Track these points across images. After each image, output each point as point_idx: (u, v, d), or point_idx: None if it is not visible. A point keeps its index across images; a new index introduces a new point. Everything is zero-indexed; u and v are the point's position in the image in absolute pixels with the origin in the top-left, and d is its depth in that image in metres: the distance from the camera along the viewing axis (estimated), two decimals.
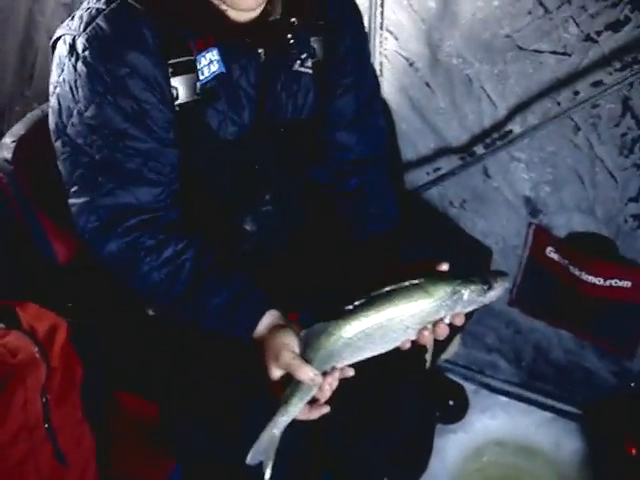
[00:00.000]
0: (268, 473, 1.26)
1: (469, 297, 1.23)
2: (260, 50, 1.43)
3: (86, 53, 1.31)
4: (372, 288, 1.23)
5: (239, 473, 1.37)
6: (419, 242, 1.60)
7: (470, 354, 2.44)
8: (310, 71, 1.51)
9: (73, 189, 1.38)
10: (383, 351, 1.26)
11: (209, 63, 1.38)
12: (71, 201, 1.38)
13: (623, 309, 2.05)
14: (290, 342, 1.27)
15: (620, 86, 1.76)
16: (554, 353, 2.31)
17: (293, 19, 1.43)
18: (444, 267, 1.30)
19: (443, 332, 1.26)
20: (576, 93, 1.85)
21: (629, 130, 1.84)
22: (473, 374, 2.46)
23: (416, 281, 1.23)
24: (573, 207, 2.04)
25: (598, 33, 1.75)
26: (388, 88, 2.16)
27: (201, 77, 1.38)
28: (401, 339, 1.25)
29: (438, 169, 2.22)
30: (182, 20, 1.35)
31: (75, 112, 1.33)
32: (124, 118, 1.33)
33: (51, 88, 1.39)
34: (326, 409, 1.28)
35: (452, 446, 2.27)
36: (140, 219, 1.37)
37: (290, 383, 1.24)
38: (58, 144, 1.39)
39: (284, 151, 1.55)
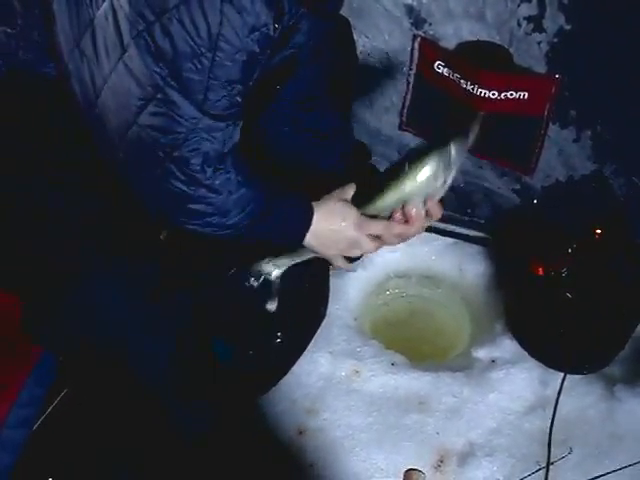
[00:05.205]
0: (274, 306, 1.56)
1: (455, 157, 1.43)
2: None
3: None
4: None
5: (108, 354, 1.47)
6: None
7: None
8: None
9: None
10: None
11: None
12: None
13: (520, 123, 1.95)
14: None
15: None
16: None
17: None
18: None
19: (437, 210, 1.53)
20: None
21: None
22: None
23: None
24: (461, 13, 1.89)
25: None
26: None
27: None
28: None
29: None
30: None
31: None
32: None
33: None
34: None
35: (352, 286, 2.19)
36: None
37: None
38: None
39: None
